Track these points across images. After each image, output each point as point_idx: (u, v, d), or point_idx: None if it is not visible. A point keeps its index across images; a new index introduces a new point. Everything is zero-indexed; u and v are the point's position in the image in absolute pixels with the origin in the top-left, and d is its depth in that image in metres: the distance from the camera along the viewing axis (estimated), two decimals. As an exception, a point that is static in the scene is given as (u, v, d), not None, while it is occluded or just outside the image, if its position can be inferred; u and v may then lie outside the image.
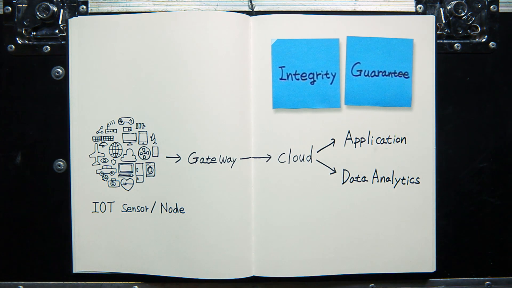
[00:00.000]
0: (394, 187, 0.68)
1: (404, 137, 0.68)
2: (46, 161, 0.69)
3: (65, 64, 0.68)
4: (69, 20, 0.68)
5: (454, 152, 0.70)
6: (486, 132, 0.70)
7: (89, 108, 0.68)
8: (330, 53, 0.66)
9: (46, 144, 0.69)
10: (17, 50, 0.69)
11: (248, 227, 0.67)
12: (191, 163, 0.66)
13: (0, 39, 0.69)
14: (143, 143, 0.67)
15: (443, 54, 0.69)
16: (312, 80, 0.66)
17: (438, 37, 0.69)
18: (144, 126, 0.67)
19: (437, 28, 0.68)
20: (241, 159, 0.66)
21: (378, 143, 0.68)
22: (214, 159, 0.66)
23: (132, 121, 0.67)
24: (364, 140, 0.68)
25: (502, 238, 0.71)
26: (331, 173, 0.68)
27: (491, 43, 0.70)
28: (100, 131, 0.68)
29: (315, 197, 0.67)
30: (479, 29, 0.70)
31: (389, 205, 0.68)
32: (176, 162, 0.66)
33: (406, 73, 0.67)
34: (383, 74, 0.67)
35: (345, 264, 0.68)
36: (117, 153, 0.68)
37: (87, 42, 0.67)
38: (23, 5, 0.69)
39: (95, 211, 0.68)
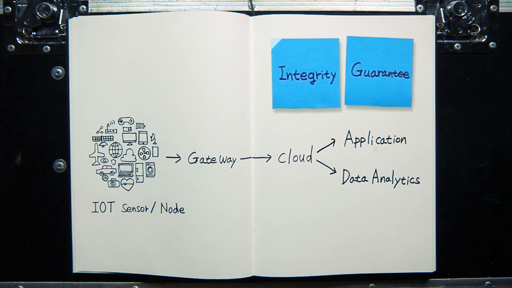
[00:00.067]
0: (394, 187, 0.68)
1: (404, 137, 0.68)
2: (46, 161, 0.69)
3: (65, 64, 0.68)
4: (69, 20, 0.68)
5: (454, 152, 0.70)
6: (486, 132, 0.70)
7: (89, 108, 0.68)
8: (330, 53, 0.66)
9: (46, 144, 0.69)
10: (17, 50, 0.69)
11: (248, 227, 0.67)
12: (191, 163, 0.66)
13: (0, 39, 0.69)
14: (143, 143, 0.67)
15: (443, 54, 0.69)
16: (312, 80, 0.66)
17: (438, 37, 0.69)
18: (144, 126, 0.67)
19: (437, 28, 0.68)
20: (241, 159, 0.66)
21: (378, 143, 0.68)
22: (214, 159, 0.66)
23: (132, 121, 0.67)
24: (364, 140, 0.68)
25: (502, 238, 0.71)
26: (331, 173, 0.68)
27: (491, 43, 0.70)
28: (100, 131, 0.68)
29: (315, 197, 0.67)
30: (479, 29, 0.70)
31: (389, 205, 0.68)
32: (176, 162, 0.66)
33: (406, 73, 0.67)
34: (383, 74, 0.67)
35: (345, 264, 0.68)
36: (117, 153, 0.68)
37: (87, 42, 0.67)
38: (23, 5, 0.69)
39: (95, 211, 0.68)
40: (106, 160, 0.68)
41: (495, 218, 0.70)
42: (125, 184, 0.68)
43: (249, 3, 0.69)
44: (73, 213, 0.68)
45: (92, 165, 0.68)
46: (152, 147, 0.67)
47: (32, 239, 0.70)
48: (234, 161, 0.66)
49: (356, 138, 0.67)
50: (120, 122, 0.68)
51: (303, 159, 0.67)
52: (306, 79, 0.66)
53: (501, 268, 0.71)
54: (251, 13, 0.68)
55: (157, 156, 0.67)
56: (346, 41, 0.66)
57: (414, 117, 0.68)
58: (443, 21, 0.69)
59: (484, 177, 0.70)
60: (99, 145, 0.68)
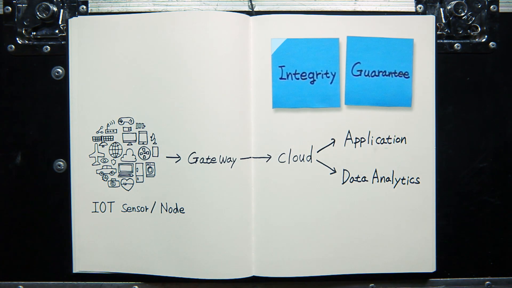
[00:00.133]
0: (394, 187, 0.68)
1: (404, 137, 0.68)
2: (46, 161, 0.69)
3: (65, 64, 0.68)
4: (69, 20, 0.68)
5: (454, 152, 0.70)
6: (486, 132, 0.70)
7: (89, 108, 0.68)
8: (330, 52, 0.66)
9: (46, 144, 0.69)
10: (17, 50, 0.69)
11: (248, 227, 0.67)
12: (191, 163, 0.66)
13: (0, 39, 0.69)
14: (143, 143, 0.67)
15: (443, 54, 0.69)
16: (312, 79, 0.66)
17: (438, 37, 0.69)
18: (144, 126, 0.67)
19: (437, 28, 0.68)
20: (241, 159, 0.66)
21: (378, 143, 0.68)
22: (214, 159, 0.66)
23: (132, 121, 0.67)
24: (364, 140, 0.68)
25: (502, 238, 0.71)
26: (331, 173, 0.68)
27: (491, 43, 0.70)
28: (100, 131, 0.68)
29: (315, 197, 0.67)
30: (479, 29, 0.70)
31: (389, 205, 0.68)
32: (176, 162, 0.66)
33: (406, 73, 0.67)
34: (383, 74, 0.67)
35: (345, 264, 0.68)
36: (117, 153, 0.68)
37: (87, 42, 0.67)
38: (23, 5, 0.69)
39: (95, 211, 0.68)
40: (106, 160, 0.68)
41: (495, 218, 0.70)
42: (125, 184, 0.68)
43: (249, 3, 0.69)
44: (73, 213, 0.68)
45: (92, 165, 0.68)
46: (152, 147, 0.67)
47: (32, 239, 0.70)
48: (234, 161, 0.66)
49: (356, 138, 0.67)
50: (120, 122, 0.68)
51: (303, 159, 0.67)
52: (306, 79, 0.66)
53: (501, 268, 0.71)
54: (251, 13, 0.68)
55: (157, 156, 0.67)
56: (346, 41, 0.66)
57: (414, 117, 0.68)
58: (443, 21, 0.69)
59: (484, 177, 0.70)
60: (99, 145, 0.68)
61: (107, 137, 0.68)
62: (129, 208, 0.68)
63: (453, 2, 0.69)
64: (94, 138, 0.68)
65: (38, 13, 0.68)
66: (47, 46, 0.69)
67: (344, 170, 0.68)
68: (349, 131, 0.67)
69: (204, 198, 0.66)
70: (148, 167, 0.67)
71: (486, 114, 0.70)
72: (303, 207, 0.67)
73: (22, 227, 0.70)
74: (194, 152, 0.66)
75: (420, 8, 0.69)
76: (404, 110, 0.68)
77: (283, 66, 0.66)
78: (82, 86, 0.68)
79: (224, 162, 0.66)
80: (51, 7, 0.68)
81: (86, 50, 0.67)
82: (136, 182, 0.68)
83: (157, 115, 0.66)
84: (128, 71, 0.67)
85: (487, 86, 0.70)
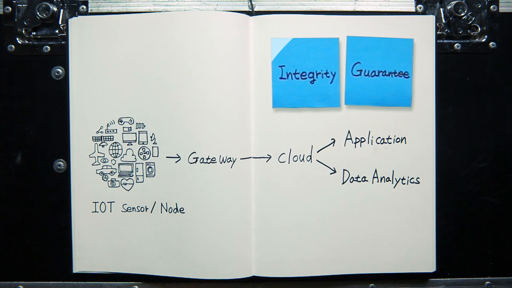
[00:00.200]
0: (394, 187, 0.68)
1: (404, 137, 0.68)
2: (46, 161, 0.69)
3: (65, 64, 0.68)
4: (69, 20, 0.68)
5: (454, 152, 0.70)
6: (486, 132, 0.70)
7: (89, 108, 0.68)
8: (330, 52, 0.66)
9: (46, 144, 0.69)
10: (17, 50, 0.69)
11: (248, 227, 0.67)
12: (191, 163, 0.66)
13: (0, 39, 0.69)
14: (143, 143, 0.67)
15: (443, 54, 0.69)
16: (312, 79, 0.66)
17: (438, 37, 0.69)
18: (144, 126, 0.67)
19: (437, 28, 0.68)
20: (241, 159, 0.66)
21: (378, 143, 0.68)
22: (214, 159, 0.66)
23: (132, 121, 0.67)
24: (364, 140, 0.68)
25: (502, 238, 0.71)
26: (331, 173, 0.68)
27: (491, 43, 0.70)
28: (100, 131, 0.68)
29: (315, 197, 0.67)
30: (479, 29, 0.70)
31: (389, 205, 0.68)
32: (176, 162, 0.66)
33: (406, 73, 0.67)
34: (383, 74, 0.67)
35: (345, 264, 0.68)
36: (117, 153, 0.68)
37: (87, 42, 0.67)
38: (23, 5, 0.69)
39: (95, 211, 0.68)
40: (106, 160, 0.68)
41: (495, 218, 0.70)
42: (125, 184, 0.68)
43: (249, 3, 0.69)
44: (73, 213, 0.68)
45: (92, 165, 0.68)
46: (152, 147, 0.67)
47: (32, 239, 0.70)
48: (234, 161, 0.66)
49: (356, 138, 0.67)
50: (120, 122, 0.68)
51: (303, 159, 0.67)
52: (306, 78, 0.66)
53: (501, 268, 0.71)
54: (251, 13, 0.68)
55: (157, 156, 0.67)
56: (346, 41, 0.66)
57: (414, 117, 0.68)
58: (443, 21, 0.69)
59: (484, 177, 0.70)
60: (99, 145, 0.68)
61: (107, 137, 0.68)
62: (129, 208, 0.68)
63: (453, 2, 0.69)
64: (94, 138, 0.68)
65: (38, 13, 0.68)
66: (47, 46, 0.69)
67: (344, 170, 0.68)
68: (349, 131, 0.67)
69: (204, 198, 0.66)
70: (148, 167, 0.67)
71: (486, 114, 0.70)
72: (303, 207, 0.67)
73: (22, 227, 0.70)
74: (194, 152, 0.66)
75: (420, 8, 0.69)
76: (404, 110, 0.68)
77: (283, 65, 0.66)
78: (82, 86, 0.68)
79: (224, 162, 0.66)
80: (51, 7, 0.68)
81: (86, 50, 0.67)
82: (136, 182, 0.68)
83: (157, 115, 0.66)
84: (128, 71, 0.67)
85: (487, 86, 0.70)
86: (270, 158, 0.67)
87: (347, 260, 0.68)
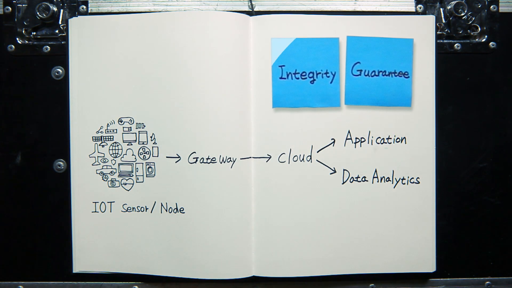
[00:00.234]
0: (394, 187, 0.68)
1: (404, 137, 0.68)
2: (46, 161, 0.69)
3: (65, 64, 0.68)
4: (69, 20, 0.68)
5: (454, 152, 0.70)
6: (486, 132, 0.70)
7: (89, 108, 0.68)
8: (330, 52, 0.66)
9: (46, 144, 0.69)
10: (17, 50, 0.69)
11: (248, 227, 0.67)
12: (191, 163, 0.66)
13: (0, 39, 0.69)
14: (143, 143, 0.67)
15: (443, 54, 0.69)
16: (312, 79, 0.66)
17: (438, 37, 0.69)
18: (144, 126, 0.67)
19: (437, 28, 0.68)
20: (241, 159, 0.66)
21: (378, 143, 0.68)
22: (214, 159, 0.66)
23: (132, 121, 0.67)
24: (364, 140, 0.68)
25: (502, 238, 0.71)
26: (331, 173, 0.68)
27: (491, 43, 0.70)
28: (100, 131, 0.68)
29: (315, 197, 0.67)
30: (479, 29, 0.70)
31: (389, 205, 0.68)
32: (176, 162, 0.66)
33: (406, 73, 0.67)
34: (383, 74, 0.67)
35: (345, 264, 0.68)
36: (117, 153, 0.68)
37: (87, 42, 0.67)
38: (23, 5, 0.69)
39: (95, 211, 0.68)
40: (106, 160, 0.68)
41: (495, 218, 0.70)
42: (125, 184, 0.68)
43: (249, 3, 0.69)
44: (73, 213, 0.68)
45: (92, 165, 0.68)
46: (152, 147, 0.67)
47: (32, 239, 0.70)
48: (234, 161, 0.66)
49: (356, 138, 0.67)
50: (120, 122, 0.68)
51: (303, 159, 0.67)
52: (306, 78, 0.66)
53: (501, 268, 0.71)
54: (251, 13, 0.68)
55: (157, 156, 0.67)
56: (346, 41, 0.66)
57: (414, 117, 0.68)
58: (443, 21, 0.69)
59: (484, 177, 0.70)
60: (99, 145, 0.68)
61: (107, 137, 0.68)
62: (129, 208, 0.68)
63: (453, 2, 0.69)
64: (94, 138, 0.68)
65: (38, 13, 0.68)
66: (47, 46, 0.69)
67: (344, 170, 0.68)
68: (349, 131, 0.67)
69: (204, 198, 0.66)
70: (148, 167, 0.67)
71: (486, 114, 0.70)
72: (303, 207, 0.67)
73: (22, 227, 0.70)
74: (194, 152, 0.66)
75: (420, 8, 0.69)
76: (404, 110, 0.68)
77: (283, 65, 0.66)
78: (82, 86, 0.68)
79: (224, 162, 0.66)
80: (51, 7, 0.68)
81: (86, 50, 0.67)
82: (136, 182, 0.68)
83: (157, 115, 0.67)
84: (128, 71, 0.67)
85: (487, 86, 0.70)
86: (270, 158, 0.67)
87: (347, 260, 0.68)
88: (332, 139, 0.67)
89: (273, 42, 0.66)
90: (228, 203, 0.66)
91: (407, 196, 0.68)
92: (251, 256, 0.67)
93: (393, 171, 0.68)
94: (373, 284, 0.70)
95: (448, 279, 0.71)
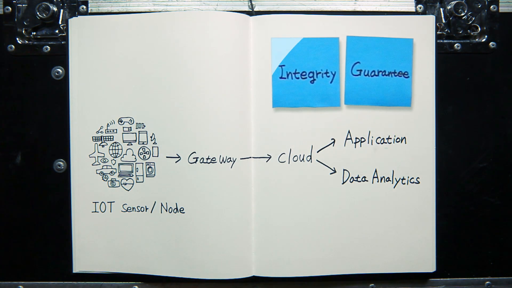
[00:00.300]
0: (394, 187, 0.68)
1: (404, 137, 0.68)
2: (46, 161, 0.69)
3: (65, 64, 0.68)
4: (69, 20, 0.68)
5: (454, 152, 0.70)
6: (486, 132, 0.70)
7: (89, 108, 0.68)
8: (330, 52, 0.66)
9: (46, 144, 0.69)
10: (17, 50, 0.69)
11: (248, 227, 0.67)
12: (191, 163, 0.66)
13: (0, 39, 0.69)
14: (143, 143, 0.67)
15: (443, 54, 0.69)
16: (312, 79, 0.66)
17: (438, 37, 0.69)
18: (144, 126, 0.67)
19: (437, 28, 0.68)
20: (241, 159, 0.66)
21: (378, 143, 0.68)
22: (214, 159, 0.66)
23: (132, 121, 0.67)
24: (364, 140, 0.68)
25: (502, 238, 0.71)
26: (331, 173, 0.68)
27: (491, 43, 0.70)
28: (100, 131, 0.68)
29: (315, 197, 0.67)
30: (479, 29, 0.70)
31: (389, 205, 0.68)
32: (176, 162, 0.66)
33: (406, 73, 0.67)
34: (383, 73, 0.67)
35: (345, 264, 0.68)
36: (117, 153, 0.68)
37: (87, 42, 0.67)
38: (23, 5, 0.69)
39: (95, 211, 0.68)
40: (106, 160, 0.68)
41: (495, 218, 0.70)
42: (125, 184, 0.68)
43: (249, 3, 0.69)
44: (73, 213, 0.68)
45: (92, 165, 0.68)
46: (152, 147, 0.67)
47: (32, 239, 0.70)
48: (234, 161, 0.66)
49: (356, 138, 0.67)
50: (120, 122, 0.68)
51: (303, 159, 0.67)
52: (306, 78, 0.66)
53: (501, 268, 0.71)
54: (251, 13, 0.68)
55: (157, 156, 0.67)
56: (346, 41, 0.66)
57: (414, 117, 0.68)
58: (443, 21, 0.69)
59: (484, 177, 0.70)
60: (99, 145, 0.68)
61: (107, 137, 0.68)
62: (129, 208, 0.68)
63: (453, 2, 0.69)
64: (94, 138, 0.68)
65: (38, 13, 0.68)
66: (47, 46, 0.69)
67: (344, 170, 0.68)
68: (349, 131, 0.67)
69: (204, 198, 0.66)
70: (148, 167, 0.67)
71: (486, 114, 0.70)
72: (303, 207, 0.67)
73: (22, 227, 0.70)
74: (194, 152, 0.66)
75: (420, 8, 0.69)
76: (404, 110, 0.68)
77: (283, 65, 0.66)
78: (82, 86, 0.68)
79: (224, 162, 0.66)
80: (51, 7, 0.68)
81: (86, 50, 0.67)
82: (136, 182, 0.68)
83: (157, 115, 0.67)
84: (128, 71, 0.67)
85: (487, 86, 0.70)
86: (270, 158, 0.67)
87: (347, 260, 0.68)
88: (332, 139, 0.67)
89: (273, 42, 0.66)
90: (228, 203, 0.66)
91: (407, 196, 0.68)
92: (251, 256, 0.67)
93: (393, 171, 0.68)
94: (373, 284, 0.70)
95: (448, 279, 0.71)
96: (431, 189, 0.68)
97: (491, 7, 0.69)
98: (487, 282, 0.71)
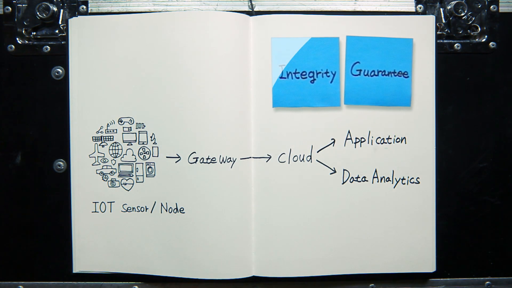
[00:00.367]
0: (394, 187, 0.68)
1: (404, 137, 0.68)
2: (46, 161, 0.69)
3: (65, 64, 0.68)
4: (69, 20, 0.68)
5: (454, 152, 0.70)
6: (486, 132, 0.70)
7: (89, 108, 0.68)
8: (330, 51, 0.66)
9: (46, 144, 0.69)
10: (17, 50, 0.69)
11: (248, 227, 0.67)
12: (191, 163, 0.66)
13: (0, 39, 0.69)
14: (143, 143, 0.67)
15: (443, 54, 0.69)
16: (312, 78, 0.66)
17: (438, 37, 0.69)
18: (144, 126, 0.67)
19: (437, 28, 0.68)
20: (241, 159, 0.66)
21: (378, 143, 0.68)
22: (214, 159, 0.66)
23: (132, 121, 0.67)
24: (364, 140, 0.68)
25: (502, 238, 0.71)
26: (331, 173, 0.68)
27: (491, 43, 0.70)
28: (100, 131, 0.68)
29: (315, 197, 0.67)
30: (479, 29, 0.70)
31: (389, 205, 0.68)
32: (176, 162, 0.66)
33: (405, 73, 0.67)
34: (383, 73, 0.67)
35: (345, 264, 0.68)
36: (117, 153, 0.68)
37: (87, 42, 0.67)
38: (23, 5, 0.69)
39: (95, 211, 0.68)
40: (106, 160, 0.68)
41: (495, 218, 0.70)
42: (125, 184, 0.68)
43: (249, 3, 0.69)
44: (73, 213, 0.68)
45: (92, 165, 0.68)
46: (152, 147, 0.67)
47: (32, 239, 0.70)
48: (234, 161, 0.66)
49: (356, 138, 0.67)
50: (120, 122, 0.68)
51: (303, 159, 0.67)
52: (306, 78, 0.66)
53: (501, 268, 0.71)
54: (251, 13, 0.68)
55: (157, 156, 0.67)
56: (346, 41, 0.66)
57: (414, 117, 0.68)
58: (443, 21, 0.69)
59: (484, 177, 0.70)
60: (99, 145, 0.68)
61: (107, 137, 0.68)
62: (129, 208, 0.68)
63: (453, 2, 0.69)
64: (94, 138, 0.68)
65: (38, 13, 0.68)
66: (47, 46, 0.69)
67: (344, 170, 0.68)
68: (349, 131, 0.67)
69: (204, 198, 0.66)
70: (148, 167, 0.67)
71: (486, 114, 0.70)
72: (303, 207, 0.67)
73: (22, 227, 0.70)
74: (194, 152, 0.66)
75: (420, 8, 0.69)
76: (404, 110, 0.68)
77: (283, 65, 0.66)
78: (82, 86, 0.68)
79: (224, 162, 0.66)
80: (51, 7, 0.68)
81: (86, 50, 0.67)
82: (136, 182, 0.68)
83: (157, 115, 0.67)
84: (128, 71, 0.67)
85: (487, 86, 0.70)
86: (270, 158, 0.67)
87: (347, 260, 0.68)
88: (332, 139, 0.67)
89: (273, 41, 0.66)
90: (228, 203, 0.66)
91: (407, 196, 0.68)
92: (251, 256, 0.67)
93: (393, 171, 0.68)
94: (373, 284, 0.70)
95: (448, 279, 0.71)
96: (431, 189, 0.68)
97: (491, 7, 0.69)
98: (487, 282, 0.71)
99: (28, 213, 0.70)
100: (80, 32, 0.67)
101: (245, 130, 0.67)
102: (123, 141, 0.68)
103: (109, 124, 0.68)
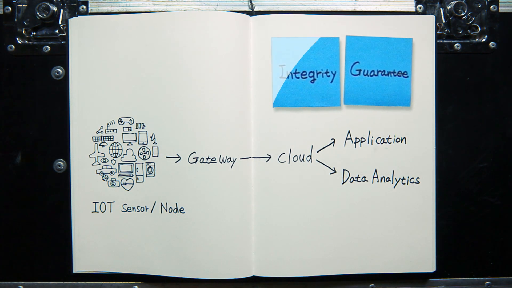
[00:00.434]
0: (394, 187, 0.68)
1: (404, 137, 0.68)
2: (46, 161, 0.69)
3: (65, 64, 0.68)
4: (69, 20, 0.68)
5: (454, 152, 0.70)
6: (486, 132, 0.70)
7: (89, 108, 0.68)
8: (330, 51, 0.66)
9: (46, 144, 0.69)
10: (17, 50, 0.69)
11: (248, 227, 0.67)
12: (191, 163, 0.66)
13: (0, 39, 0.69)
14: (143, 143, 0.67)
15: (443, 54, 0.69)
16: (312, 78, 0.66)
17: (438, 37, 0.69)
18: (144, 126, 0.67)
19: (437, 28, 0.68)
20: (241, 159, 0.66)
21: (378, 143, 0.68)
22: (214, 159, 0.66)
23: (132, 121, 0.67)
24: (364, 140, 0.68)
25: (502, 238, 0.71)
26: (331, 173, 0.68)
27: (491, 43, 0.70)
28: (100, 131, 0.68)
29: (315, 197, 0.67)
30: (479, 29, 0.70)
31: (389, 205, 0.68)
32: (176, 162, 0.66)
33: (405, 73, 0.67)
34: (382, 73, 0.67)
35: (345, 264, 0.68)
36: (117, 153, 0.68)
37: (87, 42, 0.67)
38: (23, 5, 0.69)
39: (95, 211, 0.68)
40: (106, 160, 0.68)
41: (495, 218, 0.70)
42: (125, 184, 0.68)
43: (249, 3, 0.69)
44: (73, 213, 0.68)
45: (92, 165, 0.68)
46: (152, 147, 0.67)
47: (32, 239, 0.70)
48: (234, 161, 0.66)
49: (356, 138, 0.67)
50: (120, 122, 0.68)
51: (303, 159, 0.67)
52: (306, 77, 0.66)
53: (501, 268, 0.71)
54: (251, 13, 0.68)
55: (157, 156, 0.67)
56: (345, 41, 0.66)
57: (414, 117, 0.68)
58: (443, 21, 0.69)
59: (484, 177, 0.70)
60: (99, 145, 0.68)
61: (107, 137, 0.68)
62: (129, 208, 0.68)
63: (453, 2, 0.69)
64: (94, 138, 0.68)
65: (38, 13, 0.68)
66: (47, 46, 0.69)
67: (344, 170, 0.68)
68: (349, 131, 0.67)
69: (204, 198, 0.66)
70: (148, 167, 0.67)
71: (486, 114, 0.70)
72: (303, 207, 0.67)
73: (22, 227, 0.70)
74: (194, 152, 0.66)
75: (420, 8, 0.69)
76: (404, 110, 0.68)
77: (283, 65, 0.66)
78: (82, 86, 0.68)
79: (224, 162, 0.66)
80: (51, 7, 0.68)
81: (86, 50, 0.67)
82: (136, 182, 0.68)
83: (157, 115, 0.67)
84: (128, 71, 0.67)
85: (487, 86, 0.70)
86: (270, 158, 0.67)
87: (347, 260, 0.68)
88: (332, 139, 0.67)
89: (273, 41, 0.66)
90: (228, 203, 0.66)
91: (407, 196, 0.68)
92: (251, 256, 0.67)
93: (393, 171, 0.68)
94: (373, 284, 0.70)
95: (448, 279, 0.71)
96: (431, 189, 0.68)
97: (491, 7, 0.69)
98: (487, 282, 0.71)
99: (28, 213, 0.70)
100: (80, 32, 0.67)
101: (245, 130, 0.67)
102: (123, 141, 0.68)
103: (109, 124, 0.68)
